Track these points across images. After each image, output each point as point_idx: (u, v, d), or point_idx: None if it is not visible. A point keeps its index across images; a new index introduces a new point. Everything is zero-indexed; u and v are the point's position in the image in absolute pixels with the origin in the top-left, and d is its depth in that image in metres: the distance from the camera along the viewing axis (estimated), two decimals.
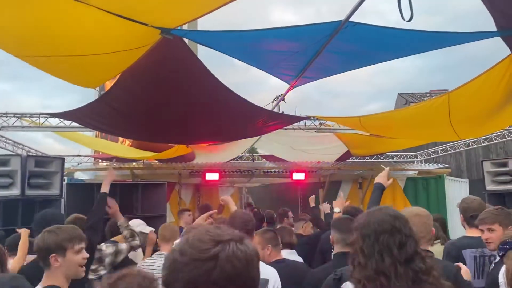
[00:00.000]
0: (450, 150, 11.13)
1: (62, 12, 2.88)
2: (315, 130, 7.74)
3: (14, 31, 3.11)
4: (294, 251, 4.51)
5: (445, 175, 10.66)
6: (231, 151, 10.37)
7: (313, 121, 7.56)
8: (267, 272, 2.86)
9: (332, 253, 3.54)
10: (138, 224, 4.98)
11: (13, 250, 4.32)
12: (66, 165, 10.90)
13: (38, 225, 3.88)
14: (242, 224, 2.93)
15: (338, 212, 4.35)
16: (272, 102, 6.86)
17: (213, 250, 1.10)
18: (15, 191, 6.27)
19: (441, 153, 11.50)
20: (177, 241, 1.25)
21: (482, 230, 3.32)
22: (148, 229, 5.06)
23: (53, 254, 2.55)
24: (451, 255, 3.56)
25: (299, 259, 4.41)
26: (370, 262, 1.88)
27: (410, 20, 3.00)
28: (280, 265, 3.42)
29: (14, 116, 7.17)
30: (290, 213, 6.87)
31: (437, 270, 1.90)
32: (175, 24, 3.01)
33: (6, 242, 4.50)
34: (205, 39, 3.84)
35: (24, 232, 4.31)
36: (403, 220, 1.98)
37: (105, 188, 4.12)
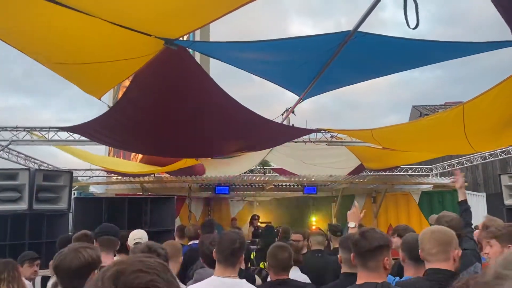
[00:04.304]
0: (466, 163, 10.87)
1: (65, 22, 2.85)
2: (326, 143, 7.60)
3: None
4: (297, 268, 4.35)
5: None
6: (242, 164, 10.27)
7: (324, 133, 7.43)
8: None
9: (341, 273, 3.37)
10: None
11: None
12: (79, 179, 10.95)
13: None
14: (229, 243, 2.87)
15: (353, 227, 3.45)
16: (282, 114, 6.75)
17: None
18: (22, 205, 6.24)
19: (456, 166, 11.22)
20: None
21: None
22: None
23: None
24: None
25: (302, 276, 4.24)
26: None
27: (415, 27, 2.91)
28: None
29: (24, 130, 7.19)
30: None
31: None
32: (178, 34, 2.94)
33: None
34: (211, 50, 3.76)
35: None
36: None
37: None
